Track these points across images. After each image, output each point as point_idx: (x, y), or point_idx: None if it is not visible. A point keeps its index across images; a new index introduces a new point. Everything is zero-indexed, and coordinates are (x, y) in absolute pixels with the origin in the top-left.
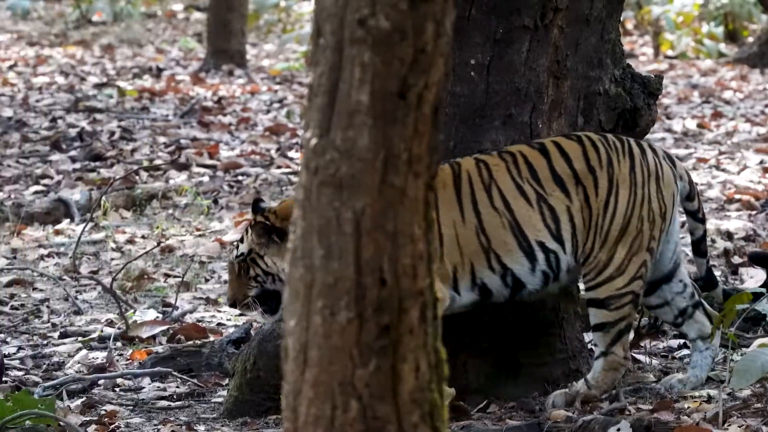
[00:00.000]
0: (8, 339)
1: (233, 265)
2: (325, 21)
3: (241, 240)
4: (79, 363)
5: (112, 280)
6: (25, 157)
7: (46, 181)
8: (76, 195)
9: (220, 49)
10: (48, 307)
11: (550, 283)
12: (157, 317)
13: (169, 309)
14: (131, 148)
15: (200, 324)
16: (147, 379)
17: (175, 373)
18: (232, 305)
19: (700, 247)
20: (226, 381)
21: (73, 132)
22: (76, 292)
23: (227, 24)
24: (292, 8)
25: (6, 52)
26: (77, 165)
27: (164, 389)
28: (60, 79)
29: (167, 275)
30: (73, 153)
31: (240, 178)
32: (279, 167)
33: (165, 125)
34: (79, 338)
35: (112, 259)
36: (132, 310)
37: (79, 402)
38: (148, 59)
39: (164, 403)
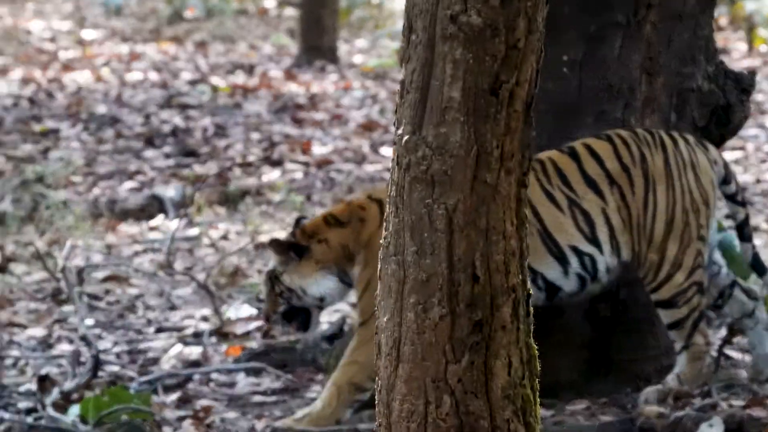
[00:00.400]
0: (104, 334)
1: (265, 279)
2: (417, 17)
3: (271, 257)
4: (174, 358)
5: (207, 276)
6: (119, 153)
7: (140, 177)
8: (170, 191)
9: (312, 46)
10: (143, 302)
11: (588, 285)
12: (252, 313)
13: (263, 305)
14: (224, 145)
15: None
16: (241, 375)
17: (269, 369)
18: (266, 320)
19: (744, 231)
20: (320, 376)
21: (166, 128)
22: (171, 287)
23: (319, 20)
24: (385, 4)
25: (99, 49)
26: (171, 161)
27: (258, 384)
28: (153, 76)
29: (261, 271)
30: (166, 149)
31: (333, 174)
32: (371, 164)
33: (258, 122)
34: (174, 334)
35: (207, 255)
36: (226, 306)
37: (174, 397)
38: (240, 56)
39: (259, 398)
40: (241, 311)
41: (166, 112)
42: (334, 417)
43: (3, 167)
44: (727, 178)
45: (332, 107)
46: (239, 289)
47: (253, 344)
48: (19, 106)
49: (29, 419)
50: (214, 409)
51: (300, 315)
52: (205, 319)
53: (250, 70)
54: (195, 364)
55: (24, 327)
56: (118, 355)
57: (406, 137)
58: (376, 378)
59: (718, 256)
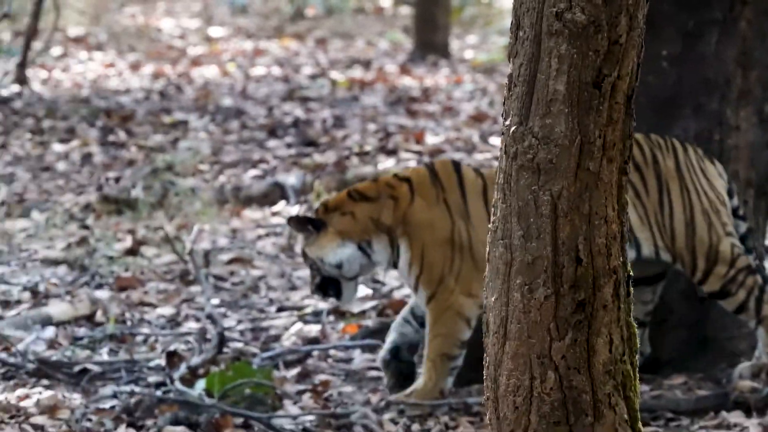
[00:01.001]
0: (229, 313)
1: (302, 256)
2: (525, 14)
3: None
4: (294, 335)
5: None
6: (243, 143)
7: (263, 165)
8: (291, 178)
9: (425, 42)
10: (265, 283)
11: None
12: (367, 293)
13: (378, 285)
14: (342, 135)
15: (407, 299)
16: (357, 351)
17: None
18: (312, 293)
19: (745, 244)
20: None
21: (288, 120)
22: (292, 269)
23: (432, 18)
24: (494, 2)
25: (226, 45)
26: (292, 150)
27: (373, 360)
28: (276, 70)
29: None
30: (288, 139)
31: None
32: (481, 153)
33: (374, 113)
34: (295, 312)
35: None
36: None
37: (294, 372)
38: (358, 51)
39: (373, 373)
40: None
41: (288, 105)
42: (437, 388)
43: (135, 156)
44: (730, 193)
45: (444, 99)
46: None
47: (369, 322)
48: (150, 99)
49: (158, 392)
50: (332, 383)
51: (331, 285)
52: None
53: (366, 65)
54: (314, 341)
55: (154, 306)
56: (242, 333)
57: (513, 128)
58: (484, 354)
59: None
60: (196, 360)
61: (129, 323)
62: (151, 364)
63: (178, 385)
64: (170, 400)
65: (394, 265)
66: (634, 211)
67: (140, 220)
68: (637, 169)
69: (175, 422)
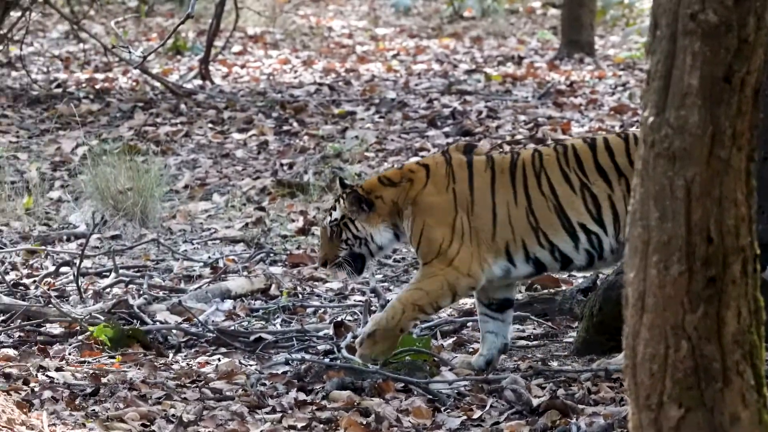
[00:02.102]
0: (391, 287)
1: (326, 229)
2: (662, 15)
3: (334, 208)
4: (450, 308)
5: None
6: (405, 133)
7: (423, 153)
8: None
9: (572, 40)
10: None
11: (596, 261)
12: None
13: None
14: (496, 125)
15: (554, 275)
16: None
17: (532, 317)
18: (323, 265)
19: None
20: (576, 324)
21: (446, 111)
22: None
23: (578, 18)
24: (635, 4)
25: (390, 43)
26: (450, 139)
27: (523, 331)
28: (435, 66)
29: None
30: (446, 129)
31: None
32: None
33: (525, 105)
34: None
35: None
36: None
37: (450, 341)
38: (510, 49)
39: (523, 342)
40: None
41: (446, 98)
42: (398, 328)
43: (307, 144)
44: None
45: (588, 93)
46: None
47: (519, 296)
48: (321, 92)
49: (327, 360)
50: None
51: (358, 260)
52: None
53: (518, 61)
54: (469, 313)
55: (323, 281)
56: None
57: (651, 119)
58: (625, 327)
59: None
60: (361, 330)
61: (300, 296)
62: (320, 333)
63: (344, 353)
64: (337, 367)
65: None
66: (623, 203)
67: (311, 203)
68: (633, 164)
69: (342, 387)
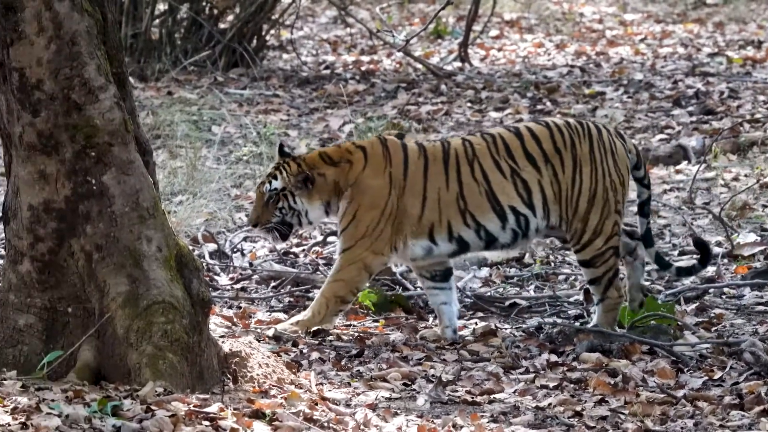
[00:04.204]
0: None
1: (263, 194)
2: None
3: (275, 177)
4: (693, 277)
5: (720, 210)
6: (652, 112)
7: (668, 130)
8: (692, 142)
9: None
10: (669, 230)
11: (519, 239)
12: (756, 239)
13: (766, 233)
14: (736, 105)
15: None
16: (747, 289)
17: None
18: (254, 225)
19: (644, 209)
20: None
21: (690, 92)
22: (692, 219)
23: None
24: None
25: (638, 28)
26: (693, 118)
27: (761, 297)
28: (680, 50)
29: (765, 206)
30: (690, 108)
31: None
32: None
33: (764, 86)
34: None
35: (721, 193)
36: (736, 234)
37: (692, 306)
38: (750, 33)
39: (761, 308)
40: (748, 238)
41: (690, 79)
42: (322, 323)
43: None
44: (638, 164)
45: None
46: (746, 220)
47: (757, 264)
48: (572, 74)
49: (577, 324)
50: (725, 316)
51: (286, 228)
52: (719, 244)
53: (758, 45)
54: (710, 280)
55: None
56: (648, 273)
57: None
58: None
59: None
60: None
61: (552, 264)
62: (571, 299)
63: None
64: (587, 330)
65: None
66: (551, 187)
67: None
68: (558, 152)
69: (591, 349)
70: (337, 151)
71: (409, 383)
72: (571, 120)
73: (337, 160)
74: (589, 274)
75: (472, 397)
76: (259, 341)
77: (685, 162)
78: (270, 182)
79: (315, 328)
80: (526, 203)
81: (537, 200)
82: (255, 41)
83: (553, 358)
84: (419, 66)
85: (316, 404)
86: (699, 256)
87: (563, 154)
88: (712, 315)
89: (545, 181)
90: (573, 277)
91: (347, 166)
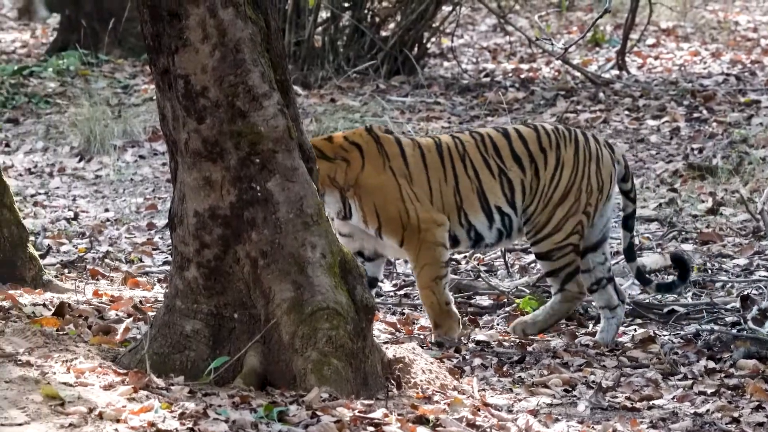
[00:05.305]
0: None
1: None
2: None
3: None
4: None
5: None
6: None
7: None
8: None
9: None
10: None
11: (503, 239)
12: None
13: None
14: None
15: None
16: None
17: None
18: None
19: (627, 222)
20: None
21: None
22: None
23: None
24: None
25: None
26: None
27: None
28: None
29: None
30: None
31: None
32: None
33: None
34: None
35: None
36: None
37: None
38: None
39: None
40: None
41: None
42: (443, 304)
43: (715, 130)
44: (625, 177)
45: None
46: None
47: None
48: (728, 82)
49: (733, 331)
50: None
51: None
52: None
53: None
54: None
55: (730, 257)
56: None
57: None
58: None
59: (607, 247)
60: (765, 303)
61: (709, 272)
62: (728, 306)
63: (750, 324)
64: (744, 337)
65: (344, 217)
66: (530, 185)
67: (719, 185)
68: (543, 152)
69: (748, 356)
70: (330, 147)
71: (570, 389)
72: (560, 125)
73: (331, 156)
74: (545, 267)
75: (632, 403)
76: (422, 347)
77: None
78: None
79: (456, 319)
80: (510, 203)
81: (519, 200)
82: (416, 49)
83: (711, 364)
84: (577, 74)
85: (479, 410)
86: (678, 272)
87: (548, 153)
88: None
89: (527, 180)
90: (730, 284)
91: (344, 165)
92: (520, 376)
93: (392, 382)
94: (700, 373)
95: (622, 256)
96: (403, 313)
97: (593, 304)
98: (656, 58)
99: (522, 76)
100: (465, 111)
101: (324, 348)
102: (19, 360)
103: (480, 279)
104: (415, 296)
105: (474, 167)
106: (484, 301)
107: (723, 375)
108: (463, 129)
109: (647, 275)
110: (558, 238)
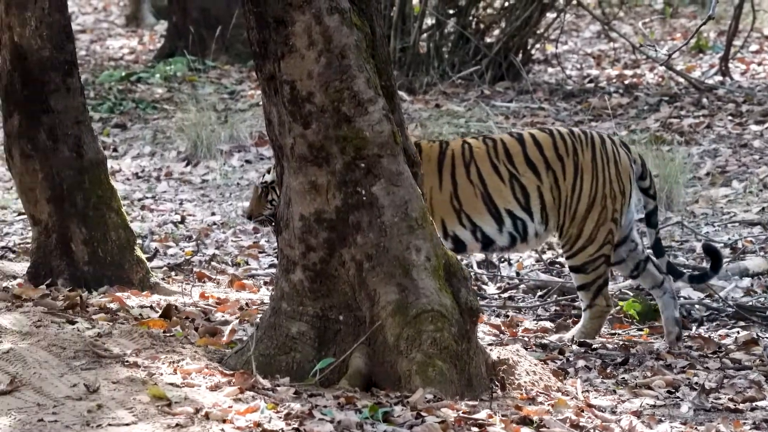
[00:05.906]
0: None
1: (257, 188)
2: None
3: (269, 171)
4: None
5: None
6: None
7: None
8: None
9: None
10: None
11: (518, 243)
12: None
13: None
14: None
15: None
16: None
17: None
18: (249, 218)
19: (651, 219)
20: None
21: None
22: None
23: None
24: None
25: None
26: None
27: None
28: None
29: None
30: None
31: None
32: None
33: None
34: None
35: None
36: None
37: None
38: None
39: None
40: None
41: None
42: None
43: None
44: (643, 175)
45: None
46: None
47: None
48: None
49: None
50: None
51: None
52: None
53: None
54: None
55: None
56: None
57: None
58: None
59: (635, 234)
60: None
61: None
62: None
63: None
64: None
65: None
66: (550, 193)
67: None
68: (560, 159)
69: None
70: None
71: (673, 391)
72: (575, 129)
73: None
74: (579, 280)
75: (735, 405)
76: (526, 349)
77: None
78: (264, 175)
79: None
80: (524, 208)
81: (535, 206)
82: (521, 55)
83: None
84: (681, 80)
85: (582, 411)
86: (711, 263)
87: (565, 161)
88: None
89: (545, 187)
90: None
91: None
92: (623, 378)
93: (496, 383)
94: None
95: (730, 261)
96: (507, 316)
97: (681, 298)
98: (759, 64)
99: (626, 81)
100: (569, 116)
101: (429, 350)
102: (127, 361)
103: None
104: (518, 298)
105: (479, 172)
106: None
107: None
108: (478, 135)
109: (678, 268)
110: (591, 249)
